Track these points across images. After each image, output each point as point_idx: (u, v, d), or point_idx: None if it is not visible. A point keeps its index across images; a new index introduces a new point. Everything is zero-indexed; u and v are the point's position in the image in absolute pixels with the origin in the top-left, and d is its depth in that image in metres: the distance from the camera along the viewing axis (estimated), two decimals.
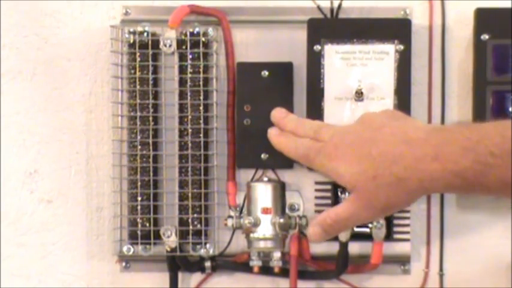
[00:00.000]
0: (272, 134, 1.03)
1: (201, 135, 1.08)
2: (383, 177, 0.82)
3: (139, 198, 1.09)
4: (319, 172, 0.97)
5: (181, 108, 1.09)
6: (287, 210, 1.09)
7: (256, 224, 1.06)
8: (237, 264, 1.11)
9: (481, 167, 0.74)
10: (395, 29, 1.06)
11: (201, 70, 1.08)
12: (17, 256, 1.14)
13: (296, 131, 1.01)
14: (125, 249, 1.10)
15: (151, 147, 1.09)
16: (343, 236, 1.06)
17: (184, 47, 1.08)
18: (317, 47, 1.06)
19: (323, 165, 0.92)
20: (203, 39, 1.08)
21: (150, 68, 1.08)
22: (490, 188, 0.75)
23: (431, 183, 0.79)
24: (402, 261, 1.11)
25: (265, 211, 1.07)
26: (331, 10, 1.10)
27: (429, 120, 1.10)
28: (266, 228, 1.07)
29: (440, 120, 1.10)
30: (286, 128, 1.03)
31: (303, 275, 1.10)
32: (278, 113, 1.04)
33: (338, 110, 1.06)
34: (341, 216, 0.90)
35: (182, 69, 1.08)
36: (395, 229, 1.09)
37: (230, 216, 1.09)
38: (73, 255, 1.13)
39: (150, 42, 1.08)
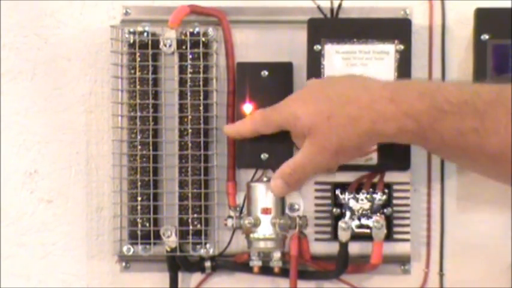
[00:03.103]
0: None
1: (201, 135, 1.08)
2: (337, 118, 0.82)
3: (139, 198, 1.09)
4: (278, 126, 0.95)
5: (181, 108, 1.09)
6: (287, 210, 1.09)
7: (256, 224, 1.06)
8: (237, 264, 1.11)
9: (437, 113, 0.74)
10: (396, 29, 1.06)
11: (201, 70, 1.08)
12: (17, 256, 1.13)
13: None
14: (124, 249, 1.10)
15: (151, 147, 1.09)
16: (343, 236, 1.06)
17: (184, 47, 1.08)
18: (317, 47, 1.06)
19: (281, 112, 0.91)
20: (203, 39, 1.08)
21: (150, 68, 1.08)
22: (444, 135, 0.74)
23: (384, 125, 0.78)
24: (402, 261, 1.11)
25: (265, 211, 1.07)
26: (331, 10, 1.10)
27: None
28: (266, 228, 1.07)
29: None
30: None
31: (303, 275, 1.10)
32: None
33: None
34: (298, 162, 0.90)
35: (182, 69, 1.08)
36: (395, 229, 1.09)
37: (230, 217, 1.09)
38: (73, 255, 1.13)
39: (150, 42, 1.08)
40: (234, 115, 1.08)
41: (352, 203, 1.08)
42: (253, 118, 0.95)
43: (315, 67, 1.06)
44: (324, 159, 0.86)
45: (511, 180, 0.76)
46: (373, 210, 1.08)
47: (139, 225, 1.09)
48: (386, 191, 1.08)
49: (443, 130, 0.74)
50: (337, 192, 1.09)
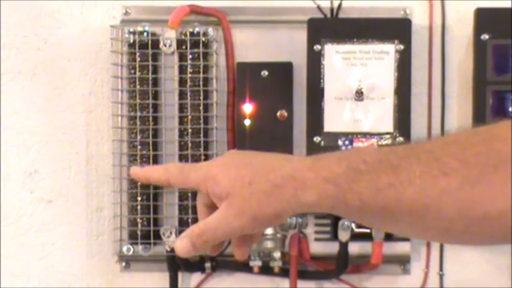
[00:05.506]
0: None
1: (201, 135, 1.08)
2: (259, 184, 0.81)
3: (139, 198, 1.09)
4: (193, 185, 0.90)
5: (181, 108, 1.09)
6: None
7: None
8: (237, 264, 1.10)
9: (353, 174, 0.75)
10: (396, 29, 1.06)
11: (201, 70, 1.08)
12: (17, 256, 1.13)
13: None
14: (124, 249, 1.10)
15: (151, 147, 1.09)
16: (343, 236, 1.06)
17: (184, 47, 1.08)
18: (317, 47, 1.06)
19: (200, 174, 0.86)
20: (203, 39, 1.08)
21: (150, 68, 1.08)
22: (362, 194, 0.75)
23: (305, 192, 0.79)
24: (402, 261, 1.11)
25: None
26: (331, 10, 1.10)
27: (429, 120, 1.10)
28: None
29: (440, 120, 1.10)
30: None
31: (303, 275, 1.10)
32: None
33: (338, 109, 1.06)
34: (209, 225, 0.87)
35: (182, 69, 1.08)
36: None
37: None
38: (73, 255, 1.13)
39: (150, 42, 1.08)
40: (234, 115, 1.08)
41: None
42: (168, 169, 0.91)
43: (315, 67, 1.06)
44: (240, 223, 0.85)
45: (432, 233, 0.76)
46: None
47: (139, 225, 1.09)
48: None
49: (361, 189, 0.75)
50: None
